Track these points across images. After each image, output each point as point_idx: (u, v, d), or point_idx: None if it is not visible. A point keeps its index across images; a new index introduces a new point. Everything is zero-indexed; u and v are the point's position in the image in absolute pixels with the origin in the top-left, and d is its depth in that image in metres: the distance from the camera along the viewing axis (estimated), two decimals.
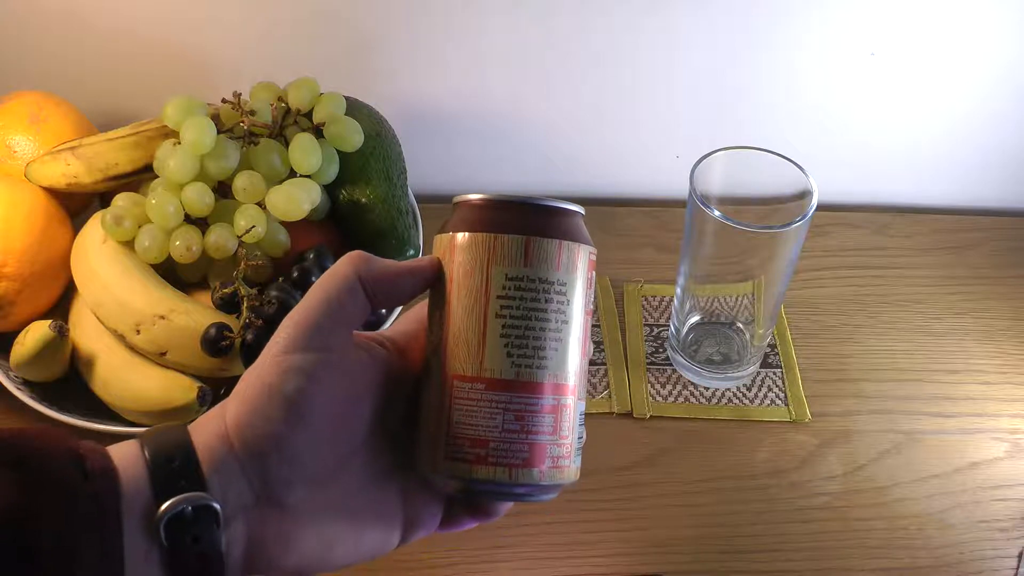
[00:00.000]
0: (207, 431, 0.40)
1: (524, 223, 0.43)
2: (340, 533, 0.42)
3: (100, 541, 0.36)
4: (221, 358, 0.58)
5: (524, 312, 0.42)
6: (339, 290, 0.41)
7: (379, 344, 0.45)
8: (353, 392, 0.42)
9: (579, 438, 0.45)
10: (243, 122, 0.63)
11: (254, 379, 0.40)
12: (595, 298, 0.74)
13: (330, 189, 0.67)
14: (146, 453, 0.39)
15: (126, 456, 0.39)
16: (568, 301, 0.43)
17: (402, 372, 0.45)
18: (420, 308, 0.46)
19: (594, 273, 0.45)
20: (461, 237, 0.43)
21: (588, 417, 0.67)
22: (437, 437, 0.42)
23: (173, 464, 0.39)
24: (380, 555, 0.44)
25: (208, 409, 0.58)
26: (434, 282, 0.43)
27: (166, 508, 0.38)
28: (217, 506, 0.39)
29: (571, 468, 0.44)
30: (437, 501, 0.45)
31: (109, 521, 0.37)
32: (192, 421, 0.42)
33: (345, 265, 0.42)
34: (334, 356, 0.41)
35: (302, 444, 0.40)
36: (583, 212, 0.45)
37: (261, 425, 0.40)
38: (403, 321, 0.46)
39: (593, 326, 0.73)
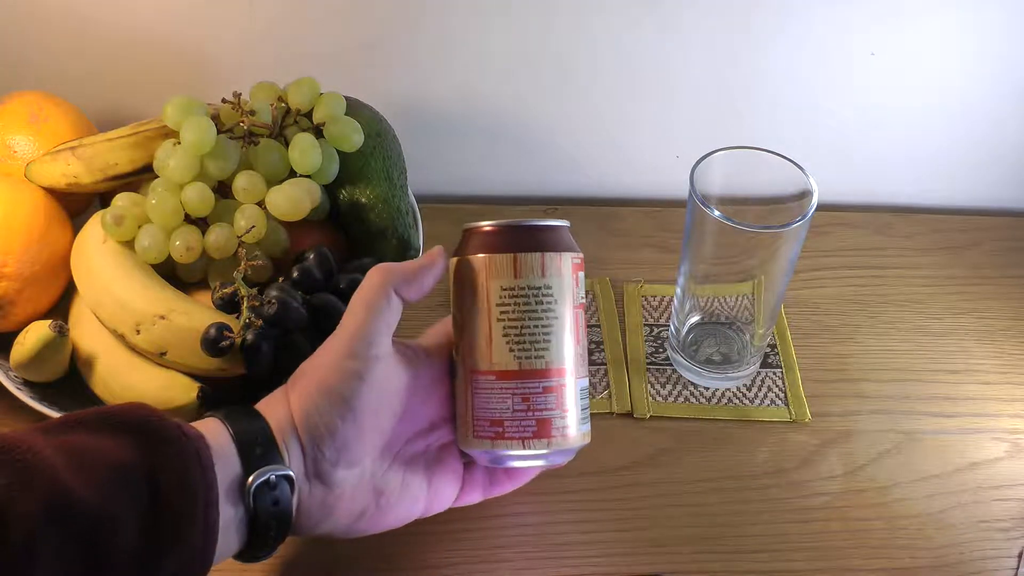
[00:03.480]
0: (277, 414, 0.50)
1: (511, 242, 0.53)
2: (368, 507, 0.52)
3: (206, 488, 0.46)
4: (221, 358, 0.58)
5: (519, 314, 0.52)
6: (378, 297, 0.51)
7: (411, 349, 0.54)
8: (390, 388, 0.51)
9: (582, 409, 0.54)
10: (243, 122, 0.63)
11: (317, 380, 0.50)
12: (589, 293, 0.77)
13: (330, 189, 0.67)
14: (230, 428, 0.49)
15: (208, 427, 0.49)
16: (556, 300, 0.53)
17: (431, 372, 0.55)
18: (444, 323, 0.56)
19: (581, 273, 0.55)
20: (466, 260, 0.53)
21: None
22: (466, 420, 0.53)
23: (256, 439, 0.49)
24: (400, 525, 0.54)
25: (206, 409, 0.59)
26: (444, 268, 0.53)
27: (255, 476, 0.47)
28: (293, 475, 0.49)
29: (577, 434, 0.54)
30: (454, 481, 0.56)
31: (208, 473, 0.46)
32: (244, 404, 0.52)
33: (375, 276, 0.52)
34: (380, 362, 0.50)
35: (350, 434, 0.50)
36: (566, 224, 0.55)
37: (322, 418, 0.49)
38: (431, 335, 0.56)
39: (593, 326, 0.74)
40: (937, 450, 0.67)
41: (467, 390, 0.53)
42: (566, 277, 0.53)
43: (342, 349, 0.50)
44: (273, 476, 0.48)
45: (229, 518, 0.47)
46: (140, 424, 0.46)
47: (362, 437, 0.50)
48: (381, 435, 0.52)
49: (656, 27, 0.76)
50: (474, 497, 0.58)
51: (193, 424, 0.49)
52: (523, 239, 0.53)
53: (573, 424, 0.53)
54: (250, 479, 0.47)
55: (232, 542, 0.48)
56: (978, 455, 0.67)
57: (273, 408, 0.51)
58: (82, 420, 0.47)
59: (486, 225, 0.53)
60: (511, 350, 0.52)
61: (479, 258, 0.53)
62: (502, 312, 0.52)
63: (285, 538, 0.50)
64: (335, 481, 0.50)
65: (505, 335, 0.52)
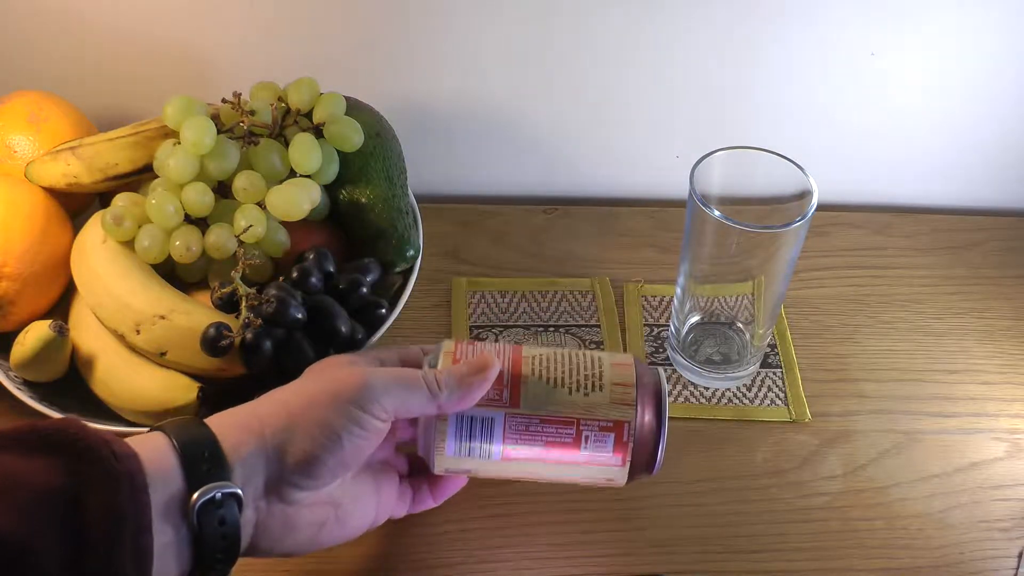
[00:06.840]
0: (233, 425, 0.48)
1: None
2: (328, 519, 0.51)
3: (137, 512, 0.42)
4: (221, 358, 0.58)
5: None
6: (414, 380, 0.50)
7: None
8: (380, 436, 0.50)
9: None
10: (243, 122, 0.63)
11: (314, 413, 0.48)
12: (588, 293, 0.76)
13: (330, 189, 0.67)
14: (175, 442, 0.46)
15: (150, 443, 0.46)
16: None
17: None
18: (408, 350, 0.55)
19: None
20: None
21: None
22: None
23: (203, 455, 0.46)
24: (360, 534, 0.53)
25: (207, 409, 0.59)
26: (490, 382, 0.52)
27: (200, 494, 0.45)
28: (240, 492, 0.46)
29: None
30: (404, 489, 0.56)
31: (140, 495, 0.43)
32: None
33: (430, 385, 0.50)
34: (385, 424, 0.49)
35: (329, 464, 0.48)
36: None
37: (305, 446, 0.47)
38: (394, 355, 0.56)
39: (593, 326, 0.74)
40: (937, 450, 0.67)
41: None
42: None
43: (359, 398, 0.48)
44: (219, 494, 0.45)
45: (168, 540, 0.44)
46: (69, 444, 0.43)
47: (335, 468, 0.49)
48: (352, 463, 0.51)
49: (656, 27, 0.76)
50: (428, 503, 0.58)
51: (133, 439, 0.46)
52: None
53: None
54: (194, 497, 0.45)
55: (171, 566, 0.45)
56: (978, 455, 0.67)
57: (232, 422, 0.48)
58: (10, 439, 0.44)
59: None
60: None
61: None
62: None
63: (235, 559, 0.47)
64: (296, 499, 0.48)
65: None
